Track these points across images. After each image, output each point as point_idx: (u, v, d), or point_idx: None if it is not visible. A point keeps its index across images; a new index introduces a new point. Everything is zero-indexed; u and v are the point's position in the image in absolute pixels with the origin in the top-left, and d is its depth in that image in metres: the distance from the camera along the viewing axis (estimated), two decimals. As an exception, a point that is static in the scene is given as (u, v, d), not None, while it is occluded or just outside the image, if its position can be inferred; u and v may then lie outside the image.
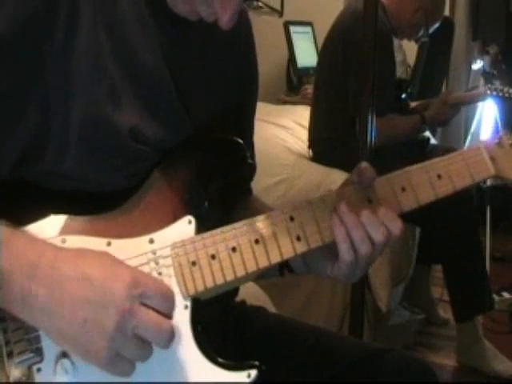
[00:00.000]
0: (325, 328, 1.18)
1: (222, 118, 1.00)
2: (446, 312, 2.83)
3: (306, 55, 4.04)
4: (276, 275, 1.01)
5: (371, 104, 1.93)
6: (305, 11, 4.13)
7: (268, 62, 3.72)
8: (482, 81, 3.31)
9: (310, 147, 2.69)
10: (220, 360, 0.83)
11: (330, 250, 0.90)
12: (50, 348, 0.77)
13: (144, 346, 0.74)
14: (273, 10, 4.11)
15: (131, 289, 0.72)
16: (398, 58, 3.03)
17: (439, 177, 0.94)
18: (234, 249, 0.85)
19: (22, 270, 0.72)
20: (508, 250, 3.53)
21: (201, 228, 0.85)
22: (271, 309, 1.45)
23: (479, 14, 4.14)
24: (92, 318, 0.72)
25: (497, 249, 3.34)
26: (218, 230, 0.85)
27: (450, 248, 2.44)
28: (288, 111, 3.35)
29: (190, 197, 0.87)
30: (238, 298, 1.12)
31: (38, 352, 0.77)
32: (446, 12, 3.46)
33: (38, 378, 0.77)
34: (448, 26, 3.53)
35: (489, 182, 3.21)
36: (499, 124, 2.79)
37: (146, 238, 0.83)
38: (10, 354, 0.76)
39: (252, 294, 1.47)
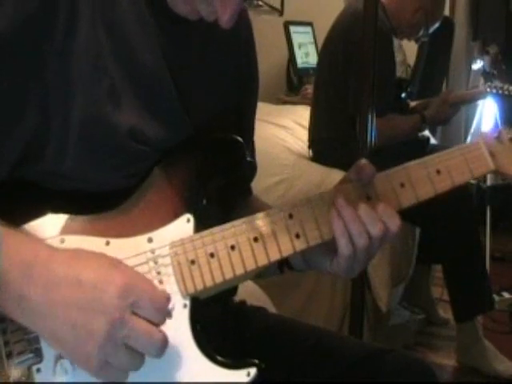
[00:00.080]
0: (325, 328, 1.18)
1: (222, 117, 1.00)
2: (446, 312, 2.83)
3: (306, 55, 4.04)
4: (275, 273, 1.01)
5: (371, 104, 1.93)
6: (305, 11, 4.13)
7: (268, 62, 3.72)
8: (481, 81, 3.31)
9: (309, 147, 2.69)
10: (219, 359, 0.83)
11: (328, 246, 0.90)
12: (49, 348, 0.77)
13: (135, 356, 0.73)
14: (273, 9, 4.11)
15: (123, 298, 0.71)
16: (398, 57, 3.02)
17: (438, 172, 0.94)
18: (232, 247, 0.85)
19: (18, 270, 0.72)
20: (508, 250, 3.52)
21: (200, 227, 0.85)
22: (271, 309, 1.45)
23: (479, 13, 4.14)
24: (82, 323, 0.71)
25: (497, 249, 3.34)
26: (217, 229, 0.85)
27: (450, 248, 2.44)
28: (288, 111, 3.35)
29: (190, 195, 0.87)
30: (238, 298, 1.12)
31: (38, 352, 0.77)
32: (446, 12, 3.46)
33: (37, 378, 0.77)
34: (448, 25, 3.53)
35: (489, 182, 3.22)
36: (499, 123, 2.79)
37: (144, 237, 0.83)
38: (9, 355, 0.76)
39: (252, 294, 1.47)
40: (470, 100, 2.85)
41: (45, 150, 0.82)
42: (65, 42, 0.80)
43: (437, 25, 2.66)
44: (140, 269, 0.81)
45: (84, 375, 0.76)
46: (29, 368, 0.77)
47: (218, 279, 0.84)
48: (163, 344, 0.74)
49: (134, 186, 0.86)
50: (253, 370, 0.83)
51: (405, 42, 3.05)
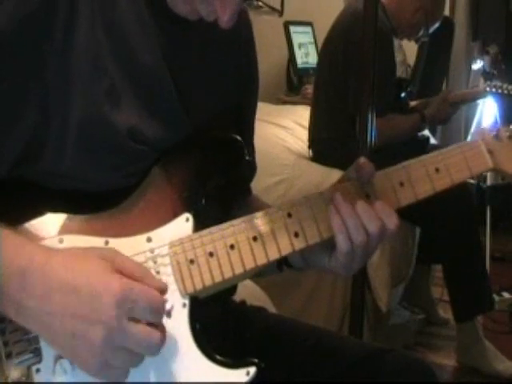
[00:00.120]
0: (325, 328, 1.18)
1: (221, 117, 1.00)
2: (446, 312, 2.83)
3: (306, 55, 4.04)
4: (274, 272, 1.00)
5: (371, 104, 1.93)
6: (305, 11, 4.12)
7: (268, 62, 3.72)
8: (481, 81, 3.31)
9: (309, 147, 2.69)
10: (218, 358, 0.83)
11: (327, 242, 0.90)
12: (48, 348, 0.77)
13: (133, 356, 0.73)
14: (273, 9, 4.11)
15: (119, 306, 0.71)
16: (398, 57, 3.02)
17: (437, 170, 0.94)
18: (232, 246, 0.85)
19: (15, 277, 0.72)
20: (508, 250, 3.52)
21: (199, 226, 0.85)
22: (271, 309, 1.45)
23: (479, 13, 4.14)
24: (80, 332, 0.71)
25: (497, 249, 3.34)
26: (216, 228, 0.85)
27: (450, 248, 2.44)
28: (288, 111, 3.35)
29: (189, 195, 0.87)
30: (238, 298, 1.12)
31: (37, 352, 0.77)
32: (446, 12, 3.46)
33: (37, 378, 0.77)
34: (448, 25, 3.53)
35: (489, 182, 3.22)
36: (499, 122, 2.79)
37: (143, 237, 0.83)
38: (8, 355, 0.76)
39: (252, 294, 1.47)
40: (470, 99, 2.84)
41: (44, 149, 0.82)
42: (64, 41, 0.80)
43: (437, 25, 2.66)
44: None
45: (83, 375, 0.76)
46: (28, 368, 0.77)
47: (217, 278, 0.83)
48: (160, 344, 0.74)
49: (134, 186, 0.86)
50: (252, 369, 0.83)
51: (405, 42, 3.05)
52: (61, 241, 0.79)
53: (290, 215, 0.88)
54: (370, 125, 1.93)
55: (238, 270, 0.84)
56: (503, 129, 0.99)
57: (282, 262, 0.99)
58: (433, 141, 2.91)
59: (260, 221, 0.87)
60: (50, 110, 0.81)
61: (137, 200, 0.85)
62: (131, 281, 0.74)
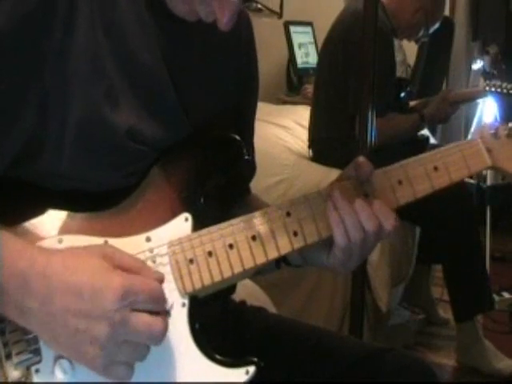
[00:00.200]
0: (325, 328, 1.18)
1: (221, 117, 1.00)
2: (446, 312, 2.83)
3: (306, 55, 4.04)
4: (272, 269, 1.01)
5: (371, 103, 1.93)
6: (305, 11, 4.12)
7: (268, 62, 3.72)
8: (481, 80, 3.31)
9: (309, 147, 2.69)
10: (218, 357, 0.83)
11: (325, 240, 0.90)
12: (48, 349, 0.77)
13: (138, 348, 0.74)
14: (272, 11, 4.10)
15: (121, 300, 0.72)
16: (398, 57, 3.02)
17: (436, 169, 0.94)
18: (231, 245, 0.85)
19: (15, 281, 0.72)
20: (508, 250, 3.52)
21: (198, 226, 0.85)
22: (271, 309, 1.45)
23: (479, 13, 4.14)
24: (83, 329, 0.72)
25: (497, 249, 3.34)
26: (215, 227, 0.85)
27: (450, 248, 2.44)
28: (288, 111, 3.35)
29: (188, 194, 0.87)
30: (238, 298, 1.12)
31: (37, 353, 0.77)
32: (446, 12, 3.46)
33: (36, 378, 0.77)
34: (448, 25, 3.53)
35: (489, 182, 3.22)
36: (499, 121, 2.78)
37: (142, 236, 0.83)
38: (8, 355, 0.76)
39: (252, 294, 1.47)
40: (470, 98, 2.84)
41: (43, 149, 0.81)
42: (63, 41, 0.80)
43: (437, 25, 2.66)
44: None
45: (83, 375, 0.76)
46: (28, 368, 0.77)
47: (217, 278, 0.84)
48: (163, 333, 0.75)
49: (133, 186, 0.86)
50: (251, 369, 0.83)
51: (405, 42, 3.05)
52: (60, 241, 0.80)
53: (288, 214, 0.88)
54: (369, 125, 1.93)
55: (237, 270, 0.84)
56: (502, 127, 0.99)
57: (280, 260, 0.99)
58: (433, 140, 2.91)
59: (259, 220, 0.87)
60: (49, 109, 0.81)
61: (136, 200, 0.85)
62: (131, 275, 0.75)
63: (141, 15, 0.87)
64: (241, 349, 1.03)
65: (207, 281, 0.83)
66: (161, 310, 0.76)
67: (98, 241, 0.81)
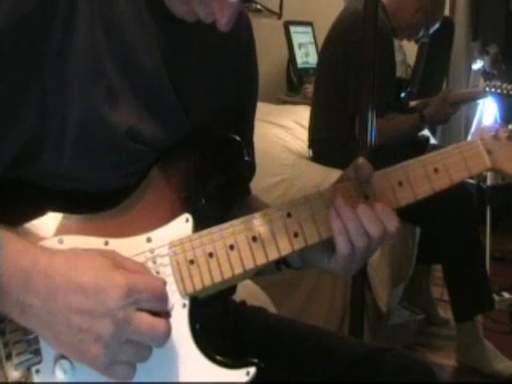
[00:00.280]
0: (325, 328, 1.18)
1: (221, 117, 1.00)
2: (446, 312, 2.83)
3: (306, 55, 4.04)
4: (273, 271, 1.01)
5: (371, 104, 1.93)
6: (305, 11, 4.12)
7: (268, 62, 3.72)
8: (481, 81, 3.31)
9: (309, 147, 2.69)
10: (218, 358, 0.83)
11: (326, 244, 0.90)
12: (48, 349, 0.76)
13: (140, 348, 0.74)
14: (271, 12, 4.10)
15: (125, 298, 0.72)
16: (398, 58, 3.02)
17: (436, 170, 0.94)
18: (231, 246, 0.85)
19: (18, 280, 0.72)
20: (508, 250, 3.52)
21: (198, 226, 0.85)
22: (271, 309, 1.45)
23: (479, 13, 4.14)
24: (87, 327, 0.72)
25: (497, 249, 3.34)
26: (216, 228, 0.85)
27: (450, 248, 2.44)
28: (288, 111, 3.35)
29: (188, 195, 0.87)
30: (238, 298, 1.12)
31: (37, 353, 0.77)
32: (446, 12, 3.46)
33: (36, 379, 0.77)
34: (448, 25, 3.53)
35: (489, 182, 3.22)
36: (499, 122, 2.78)
37: (143, 237, 0.83)
38: (8, 356, 0.76)
39: (252, 294, 1.47)
40: (470, 99, 2.84)
41: (43, 149, 0.81)
42: (63, 41, 0.80)
43: (437, 25, 2.66)
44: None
45: (83, 376, 0.76)
46: (28, 369, 0.77)
47: (217, 279, 0.83)
48: (166, 333, 0.75)
49: (133, 186, 0.86)
50: (252, 370, 0.83)
51: (405, 42, 3.05)
52: (61, 241, 0.79)
53: (289, 215, 0.88)
54: (369, 125, 1.93)
55: (238, 271, 0.84)
56: (502, 129, 0.99)
57: (281, 262, 0.99)
58: (433, 141, 2.91)
59: (259, 221, 0.87)
60: (49, 110, 0.81)
61: (136, 200, 0.85)
62: (134, 274, 0.75)
63: (140, 15, 0.87)
64: (241, 349, 1.03)
65: (208, 282, 0.83)
66: (163, 311, 0.76)
67: (98, 241, 0.81)
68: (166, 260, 0.83)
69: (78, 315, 0.72)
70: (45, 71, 0.80)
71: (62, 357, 0.76)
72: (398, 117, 2.58)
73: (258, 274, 0.98)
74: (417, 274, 2.77)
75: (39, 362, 0.77)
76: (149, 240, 0.83)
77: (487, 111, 3.27)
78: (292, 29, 3.99)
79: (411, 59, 3.64)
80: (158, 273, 0.82)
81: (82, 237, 0.81)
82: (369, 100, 1.94)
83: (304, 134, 2.78)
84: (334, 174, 2.40)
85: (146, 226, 0.84)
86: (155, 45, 0.88)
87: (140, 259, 0.82)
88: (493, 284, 2.65)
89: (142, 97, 0.87)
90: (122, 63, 0.84)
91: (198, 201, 0.87)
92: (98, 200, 0.84)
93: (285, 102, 3.91)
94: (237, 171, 0.93)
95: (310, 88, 3.48)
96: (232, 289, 1.03)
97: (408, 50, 3.49)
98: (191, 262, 0.83)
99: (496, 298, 2.78)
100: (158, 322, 0.74)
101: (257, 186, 1.14)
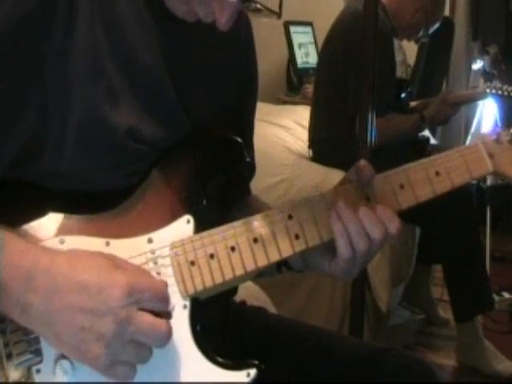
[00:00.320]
0: (325, 328, 1.18)
1: (221, 117, 1.00)
2: (446, 312, 2.83)
3: (306, 55, 4.04)
4: (274, 273, 1.01)
5: (371, 104, 1.93)
6: (305, 11, 4.12)
7: (268, 62, 3.72)
8: (481, 81, 3.31)
9: (309, 147, 2.69)
10: (219, 359, 0.83)
11: (327, 247, 0.90)
12: (49, 349, 0.77)
13: (142, 349, 0.74)
14: (270, 11, 4.10)
15: (127, 297, 0.72)
16: (398, 58, 3.02)
17: (437, 174, 0.94)
18: (232, 248, 0.85)
19: (19, 279, 0.72)
20: (508, 250, 3.52)
21: (199, 227, 0.85)
22: (271, 309, 1.45)
23: (479, 13, 4.14)
24: (89, 326, 0.72)
25: (497, 249, 3.34)
26: (217, 230, 0.85)
27: (450, 248, 2.44)
28: (288, 111, 3.35)
29: (189, 196, 0.87)
30: (238, 299, 1.12)
31: (37, 353, 0.77)
32: (446, 12, 3.46)
33: (37, 379, 0.77)
34: (448, 25, 3.53)
35: (489, 182, 3.22)
36: (499, 123, 2.79)
37: (144, 238, 0.83)
38: (9, 356, 0.76)
39: (252, 294, 1.47)
40: (470, 100, 2.84)
41: (43, 149, 0.81)
42: (63, 41, 0.80)
43: (437, 25, 2.66)
44: (139, 269, 0.81)
45: (84, 376, 0.76)
46: (28, 369, 0.77)
47: (218, 280, 0.83)
48: (168, 334, 0.75)
49: (134, 186, 0.86)
50: (253, 371, 0.83)
51: (405, 42, 3.05)
52: (62, 241, 0.80)
53: (290, 217, 0.88)
54: (369, 125, 1.94)
55: (239, 272, 0.84)
56: (503, 132, 0.99)
57: (282, 264, 0.99)
58: (433, 141, 2.91)
59: (261, 223, 0.87)
60: (49, 110, 0.81)
61: (137, 201, 0.85)
62: (136, 274, 0.76)
63: (140, 15, 0.87)
64: (241, 349, 1.03)
65: (209, 283, 0.83)
66: (164, 311, 0.76)
67: (99, 241, 0.81)
68: (167, 261, 0.83)
69: (80, 314, 0.72)
70: (45, 71, 0.80)
71: (63, 357, 0.76)
72: (398, 117, 2.58)
73: (259, 276, 0.98)
74: (417, 274, 2.77)
75: (40, 362, 0.77)
76: (150, 241, 0.83)
77: (487, 112, 3.28)
78: (292, 29, 3.99)
79: (411, 59, 3.63)
80: (159, 274, 0.82)
81: (83, 237, 0.81)
82: (369, 100, 1.94)
83: (304, 134, 2.78)
84: (334, 174, 2.40)
85: (146, 226, 0.84)
86: (155, 45, 0.88)
87: (141, 260, 0.82)
88: (493, 284, 2.65)
89: (142, 97, 0.87)
90: (122, 63, 0.84)
91: (199, 202, 0.87)
92: (98, 200, 0.84)
93: (285, 102, 3.90)
94: (237, 171, 0.93)
95: (309, 88, 3.48)
96: (233, 290, 1.03)
97: (408, 50, 3.48)
98: (192, 263, 0.83)
99: (496, 297, 2.78)
100: (160, 322, 0.75)
101: (257, 186, 1.14)
